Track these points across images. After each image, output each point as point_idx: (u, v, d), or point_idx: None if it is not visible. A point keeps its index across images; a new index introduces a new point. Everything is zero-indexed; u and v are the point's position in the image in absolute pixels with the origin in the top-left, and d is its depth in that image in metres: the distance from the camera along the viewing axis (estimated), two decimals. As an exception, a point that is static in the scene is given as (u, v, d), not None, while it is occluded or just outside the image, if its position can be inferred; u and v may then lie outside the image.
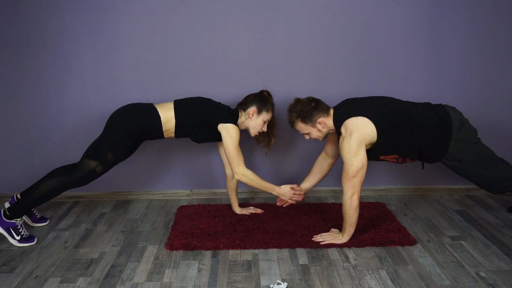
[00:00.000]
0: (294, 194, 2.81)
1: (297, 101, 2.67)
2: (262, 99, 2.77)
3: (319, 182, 2.98)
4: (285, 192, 2.80)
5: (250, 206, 3.10)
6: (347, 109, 2.60)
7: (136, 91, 3.14)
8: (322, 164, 2.92)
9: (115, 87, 3.15)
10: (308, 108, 2.61)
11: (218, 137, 2.80)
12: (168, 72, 3.15)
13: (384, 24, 3.13)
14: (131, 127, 2.67)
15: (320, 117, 2.61)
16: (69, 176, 2.61)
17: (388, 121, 2.52)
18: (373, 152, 2.57)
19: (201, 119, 2.73)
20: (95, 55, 3.10)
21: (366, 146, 2.50)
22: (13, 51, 3.07)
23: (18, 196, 2.80)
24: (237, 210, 3.03)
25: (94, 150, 2.63)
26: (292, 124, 2.70)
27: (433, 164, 3.26)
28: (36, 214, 2.90)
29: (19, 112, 3.18)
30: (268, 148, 2.96)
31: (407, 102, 2.68)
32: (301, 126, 2.67)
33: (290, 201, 2.85)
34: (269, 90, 2.88)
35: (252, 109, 2.75)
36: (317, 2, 3.08)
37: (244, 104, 2.78)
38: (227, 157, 2.72)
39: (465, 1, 3.12)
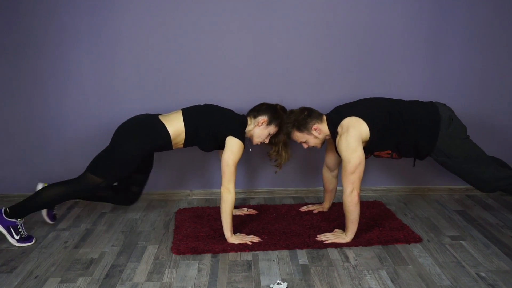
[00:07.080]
0: (244, 239, 2.61)
1: (290, 112, 2.73)
2: (275, 112, 2.72)
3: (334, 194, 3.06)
4: (234, 240, 2.59)
5: (244, 207, 3.08)
6: (339, 112, 2.66)
7: (137, 95, 3.14)
8: (329, 179, 3.00)
9: (115, 88, 3.15)
10: (301, 116, 2.66)
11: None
12: (169, 76, 3.14)
13: (384, 24, 3.13)
14: (141, 149, 2.62)
15: (314, 124, 2.66)
16: (74, 186, 2.60)
17: (378, 120, 2.57)
18: (367, 149, 2.63)
19: (211, 130, 2.66)
20: (96, 57, 3.10)
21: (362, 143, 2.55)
22: (13, 52, 3.07)
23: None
24: None
25: (100, 167, 2.60)
26: (288, 135, 2.73)
27: (433, 164, 3.27)
28: (54, 211, 2.89)
29: (19, 113, 3.18)
30: (280, 167, 2.86)
31: (396, 100, 2.72)
32: (298, 135, 2.70)
33: (247, 242, 2.59)
34: (270, 90, 2.84)
35: (263, 118, 2.69)
36: (318, 4, 3.08)
37: (257, 111, 2.72)
38: (222, 167, 2.60)
39: (465, 1, 3.12)
